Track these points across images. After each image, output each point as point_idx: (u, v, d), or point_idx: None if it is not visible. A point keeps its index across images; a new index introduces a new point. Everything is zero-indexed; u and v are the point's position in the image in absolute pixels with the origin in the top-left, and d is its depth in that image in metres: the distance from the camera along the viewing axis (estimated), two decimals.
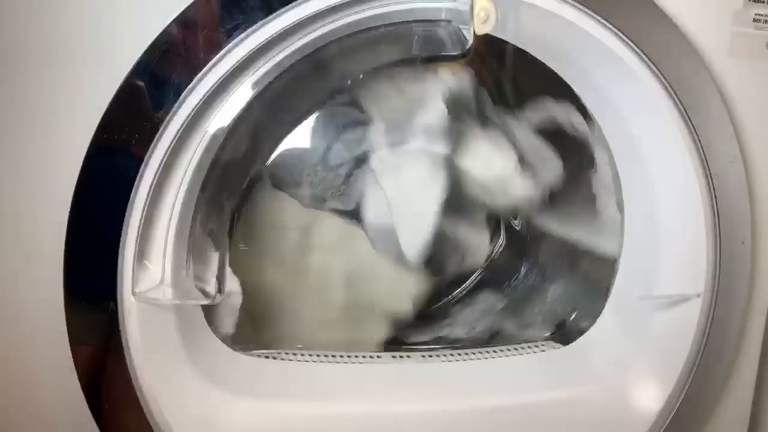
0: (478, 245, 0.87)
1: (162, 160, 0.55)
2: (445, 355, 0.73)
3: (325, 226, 0.79)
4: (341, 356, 0.71)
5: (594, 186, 0.76)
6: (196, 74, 0.55)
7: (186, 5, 0.54)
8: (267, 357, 0.68)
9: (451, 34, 0.61)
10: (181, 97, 0.55)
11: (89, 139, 0.54)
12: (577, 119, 0.73)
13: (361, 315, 0.79)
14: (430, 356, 0.73)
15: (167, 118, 0.55)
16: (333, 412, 0.65)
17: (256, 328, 0.74)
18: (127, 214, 0.55)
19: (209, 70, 0.55)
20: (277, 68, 0.57)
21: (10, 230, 0.56)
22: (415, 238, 0.81)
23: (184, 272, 0.61)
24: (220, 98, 0.56)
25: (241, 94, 0.57)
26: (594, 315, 0.72)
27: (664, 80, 0.61)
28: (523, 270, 0.87)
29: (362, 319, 0.79)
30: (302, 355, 0.70)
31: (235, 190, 0.68)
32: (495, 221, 0.89)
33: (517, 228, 0.88)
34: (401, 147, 0.78)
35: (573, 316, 0.77)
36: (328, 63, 0.62)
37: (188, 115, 0.55)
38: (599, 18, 0.59)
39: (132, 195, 0.55)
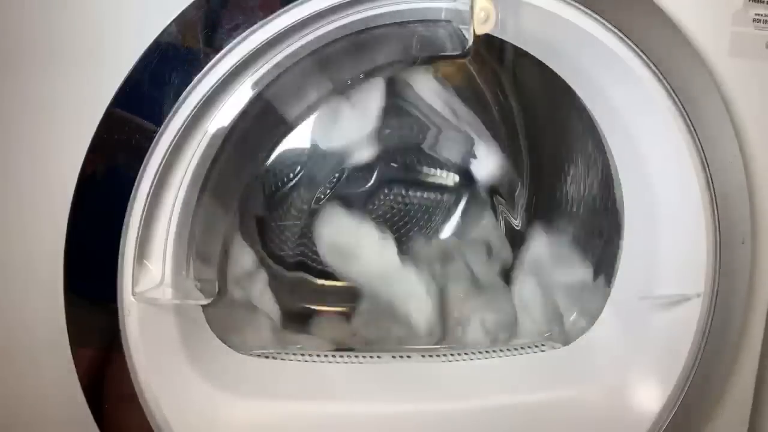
0: None
1: (162, 160, 0.55)
2: (445, 355, 0.73)
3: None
4: (341, 356, 0.71)
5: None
6: (196, 74, 0.55)
7: (186, 5, 0.54)
8: (267, 357, 0.68)
9: (451, 34, 0.61)
10: (181, 97, 0.55)
11: (89, 138, 0.54)
12: None
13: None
14: (430, 356, 0.73)
15: (167, 118, 0.55)
16: (333, 412, 0.65)
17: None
18: (127, 214, 0.55)
19: (209, 70, 0.55)
20: (277, 68, 0.57)
21: (10, 230, 0.56)
22: None
23: (184, 272, 0.61)
24: (220, 98, 0.56)
25: (241, 94, 0.57)
26: (594, 315, 0.72)
27: (664, 80, 0.61)
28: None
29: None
30: (302, 355, 0.70)
31: (235, 190, 0.68)
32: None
33: (517, 227, 0.88)
34: None
35: (573, 316, 0.77)
36: (327, 63, 0.62)
37: (188, 115, 0.55)
38: (599, 18, 0.59)
39: (132, 195, 0.55)
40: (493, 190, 0.88)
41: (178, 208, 0.58)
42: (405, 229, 0.91)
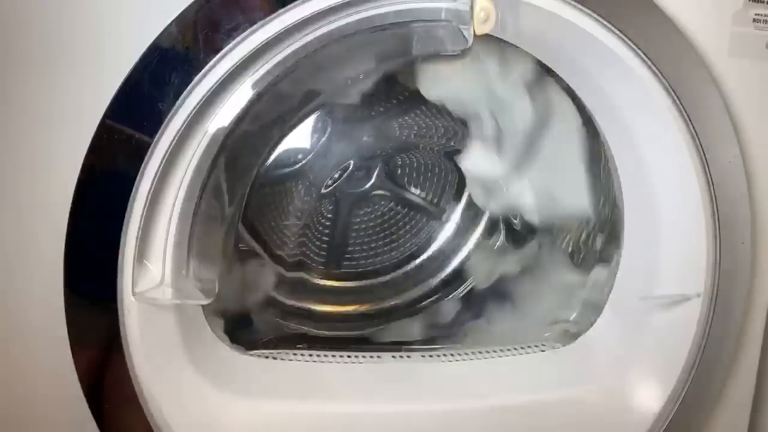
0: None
1: (162, 160, 0.55)
2: (445, 355, 0.73)
3: None
4: (341, 356, 0.71)
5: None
6: (196, 74, 0.55)
7: (186, 5, 0.54)
8: (267, 357, 0.69)
9: (451, 34, 0.61)
10: (181, 97, 0.55)
11: (89, 138, 0.54)
12: None
13: None
14: (430, 356, 0.73)
15: (167, 119, 0.55)
16: (333, 412, 0.65)
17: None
18: (127, 214, 0.55)
19: (209, 70, 0.55)
20: (277, 68, 0.57)
21: (10, 230, 0.56)
22: None
23: (184, 272, 0.61)
24: (220, 98, 0.56)
25: (241, 94, 0.57)
26: (594, 315, 0.72)
27: (664, 80, 0.61)
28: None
29: None
30: (302, 355, 0.70)
31: (234, 190, 0.68)
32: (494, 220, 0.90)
33: (517, 228, 0.88)
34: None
35: (573, 316, 0.77)
36: (327, 63, 0.62)
37: (188, 115, 0.55)
38: (599, 18, 0.59)
39: (132, 195, 0.55)
40: None
41: (178, 208, 0.58)
42: (404, 229, 0.91)
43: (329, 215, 0.88)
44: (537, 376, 0.71)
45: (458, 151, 0.85)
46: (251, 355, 0.68)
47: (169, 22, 0.54)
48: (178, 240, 0.59)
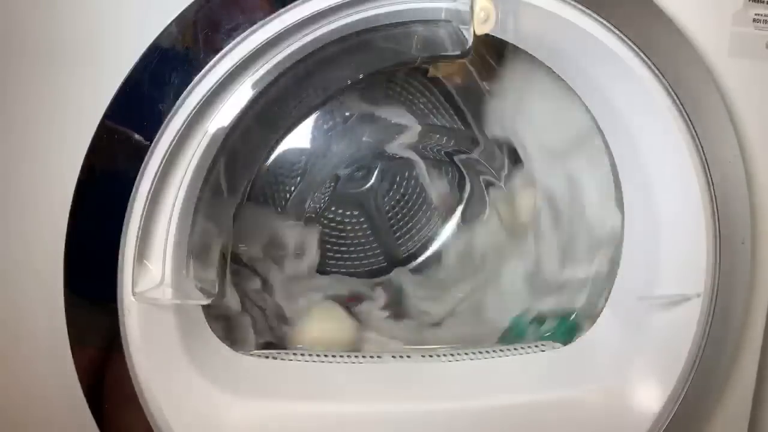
0: None
1: (162, 160, 0.55)
2: (445, 355, 0.73)
3: None
4: (341, 356, 0.71)
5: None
6: (196, 74, 0.55)
7: (186, 5, 0.54)
8: (267, 357, 0.69)
9: (451, 34, 0.61)
10: (181, 97, 0.55)
11: (89, 138, 0.54)
12: None
13: None
14: (430, 356, 0.73)
15: (167, 119, 0.55)
16: (333, 412, 0.65)
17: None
18: (127, 214, 0.55)
19: (209, 70, 0.55)
20: (277, 68, 0.57)
21: (10, 230, 0.56)
22: None
23: (184, 272, 0.61)
24: (220, 98, 0.56)
25: (241, 94, 0.57)
26: (594, 315, 0.72)
27: (664, 80, 0.61)
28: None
29: None
30: (302, 355, 0.70)
31: (235, 190, 0.68)
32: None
33: None
34: None
35: (573, 316, 0.77)
36: (327, 63, 0.62)
37: (188, 115, 0.55)
38: (599, 18, 0.59)
39: (132, 195, 0.55)
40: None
41: (178, 208, 0.58)
42: (407, 227, 0.91)
43: (329, 215, 0.88)
44: (537, 376, 0.71)
45: (459, 152, 0.85)
46: (251, 355, 0.68)
47: (169, 22, 0.54)
48: (178, 240, 0.59)
